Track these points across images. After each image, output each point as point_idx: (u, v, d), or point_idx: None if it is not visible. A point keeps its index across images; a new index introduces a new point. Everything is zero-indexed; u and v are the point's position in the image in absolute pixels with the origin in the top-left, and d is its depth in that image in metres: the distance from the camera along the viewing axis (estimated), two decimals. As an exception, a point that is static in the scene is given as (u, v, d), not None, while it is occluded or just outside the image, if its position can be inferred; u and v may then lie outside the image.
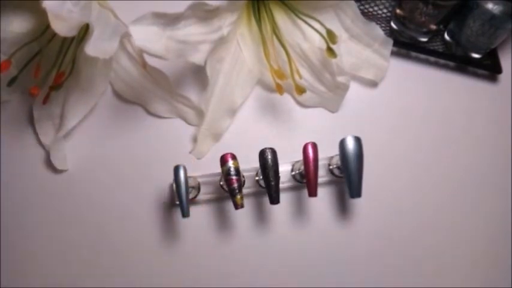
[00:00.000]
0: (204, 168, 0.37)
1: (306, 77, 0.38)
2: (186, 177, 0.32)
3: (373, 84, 0.41)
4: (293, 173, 0.36)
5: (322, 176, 0.37)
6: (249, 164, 0.35)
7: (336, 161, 0.35)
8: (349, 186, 0.31)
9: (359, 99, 0.40)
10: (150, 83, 0.37)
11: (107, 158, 0.38)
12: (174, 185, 0.32)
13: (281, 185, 0.33)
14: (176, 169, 0.32)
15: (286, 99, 0.40)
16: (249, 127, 0.39)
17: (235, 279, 0.37)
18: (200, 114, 0.37)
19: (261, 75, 0.38)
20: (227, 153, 0.31)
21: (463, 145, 0.40)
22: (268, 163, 0.31)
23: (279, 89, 0.35)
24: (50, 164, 0.37)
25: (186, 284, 0.37)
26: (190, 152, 0.38)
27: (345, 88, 0.37)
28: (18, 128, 0.38)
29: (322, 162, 0.34)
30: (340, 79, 0.36)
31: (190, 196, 0.35)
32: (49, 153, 0.37)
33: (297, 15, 0.35)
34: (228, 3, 0.32)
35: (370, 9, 0.42)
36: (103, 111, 0.38)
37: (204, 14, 0.31)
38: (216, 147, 0.38)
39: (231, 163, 0.31)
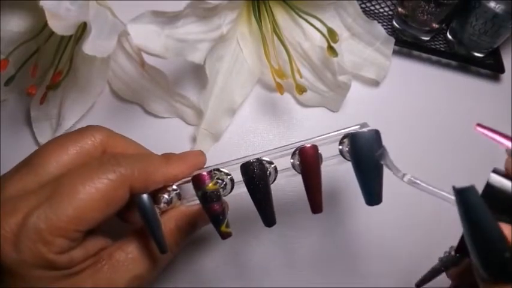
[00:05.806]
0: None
1: (306, 76, 0.37)
2: (153, 206, 0.24)
3: (375, 83, 0.40)
4: (292, 160, 0.27)
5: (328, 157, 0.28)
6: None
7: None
8: (366, 192, 0.25)
9: (360, 99, 0.39)
10: (148, 82, 0.36)
11: (105, 158, 0.37)
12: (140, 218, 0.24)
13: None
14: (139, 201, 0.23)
15: (287, 99, 0.39)
16: (249, 127, 0.39)
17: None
18: (199, 113, 0.37)
19: (261, 74, 0.38)
20: (201, 174, 0.23)
21: (465, 144, 0.40)
22: (254, 181, 0.24)
23: (280, 89, 0.35)
24: (47, 165, 0.36)
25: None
26: (189, 152, 0.37)
27: (346, 87, 0.37)
28: (15, 128, 0.37)
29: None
30: (342, 78, 0.36)
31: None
32: (47, 154, 0.36)
33: (297, 14, 0.35)
34: (228, 1, 0.31)
35: (372, 8, 0.42)
36: (101, 111, 0.38)
37: (203, 12, 0.30)
38: (215, 147, 0.38)
39: (208, 186, 0.23)
